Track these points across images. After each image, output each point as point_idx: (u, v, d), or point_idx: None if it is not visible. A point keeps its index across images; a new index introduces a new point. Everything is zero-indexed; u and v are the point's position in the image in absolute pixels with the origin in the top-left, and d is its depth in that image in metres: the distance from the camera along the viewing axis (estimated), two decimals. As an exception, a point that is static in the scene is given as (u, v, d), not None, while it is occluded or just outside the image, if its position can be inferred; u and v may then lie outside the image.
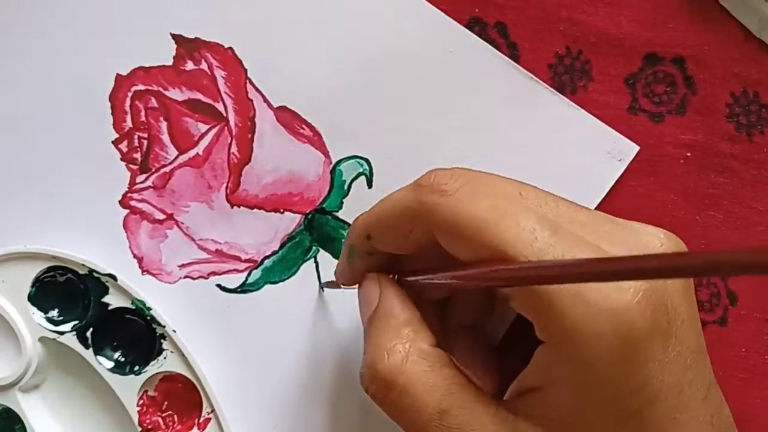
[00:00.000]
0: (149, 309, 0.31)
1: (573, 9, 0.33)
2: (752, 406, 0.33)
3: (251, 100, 0.33)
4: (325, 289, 0.32)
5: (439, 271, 0.23)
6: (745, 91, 0.33)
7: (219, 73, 0.33)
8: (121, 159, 0.33)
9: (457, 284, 0.23)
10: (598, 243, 0.21)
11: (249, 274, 0.33)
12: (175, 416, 0.32)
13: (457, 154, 0.33)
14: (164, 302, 0.32)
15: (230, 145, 0.33)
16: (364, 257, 0.26)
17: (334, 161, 0.33)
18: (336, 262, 0.33)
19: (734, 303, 0.33)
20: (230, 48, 0.33)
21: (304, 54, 0.33)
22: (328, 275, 0.32)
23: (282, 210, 0.33)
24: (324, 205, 0.33)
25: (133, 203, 0.33)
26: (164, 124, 0.33)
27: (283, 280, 0.33)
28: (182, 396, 0.32)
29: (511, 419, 0.22)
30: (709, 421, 0.22)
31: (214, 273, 0.33)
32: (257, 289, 0.33)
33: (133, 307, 0.31)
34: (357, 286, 0.27)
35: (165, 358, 0.31)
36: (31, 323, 0.31)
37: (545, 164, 0.33)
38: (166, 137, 0.33)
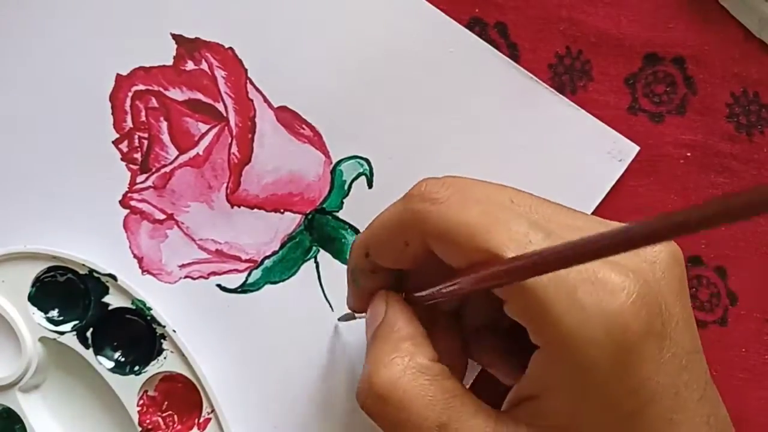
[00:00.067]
0: (149, 309, 0.31)
1: (573, 9, 0.33)
2: (752, 406, 0.33)
3: (251, 100, 0.33)
4: (341, 322, 0.32)
5: (442, 282, 0.23)
6: (745, 91, 0.33)
7: (219, 73, 0.33)
8: (122, 159, 0.33)
9: (458, 291, 0.23)
10: None
11: (249, 274, 0.33)
12: (175, 416, 0.32)
13: (457, 154, 0.33)
14: (164, 302, 0.32)
15: (230, 145, 0.33)
16: (368, 276, 0.26)
17: (334, 161, 0.33)
18: (336, 262, 0.33)
19: (734, 303, 0.33)
20: (230, 48, 0.33)
21: (304, 54, 0.33)
22: (328, 275, 0.32)
23: (282, 210, 0.33)
24: (324, 205, 0.33)
25: (133, 203, 0.33)
26: (164, 124, 0.33)
27: (284, 280, 0.33)
28: (182, 396, 0.32)
29: (512, 430, 0.22)
30: (706, 422, 0.22)
31: (214, 273, 0.33)
32: (257, 289, 0.33)
33: (133, 307, 0.31)
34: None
35: (165, 358, 0.31)
36: (31, 323, 0.31)
37: (545, 164, 0.33)
38: (166, 137, 0.33)
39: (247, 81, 0.33)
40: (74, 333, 0.31)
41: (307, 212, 0.33)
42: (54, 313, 0.32)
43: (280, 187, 0.33)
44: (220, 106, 0.33)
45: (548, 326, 0.21)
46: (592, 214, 0.33)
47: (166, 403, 0.32)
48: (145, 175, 0.33)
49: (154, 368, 0.31)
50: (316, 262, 0.33)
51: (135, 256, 0.33)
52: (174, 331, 0.31)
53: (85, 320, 0.31)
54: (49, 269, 0.32)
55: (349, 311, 0.29)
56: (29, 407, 0.32)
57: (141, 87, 0.33)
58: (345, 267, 0.30)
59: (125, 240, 0.33)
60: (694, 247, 0.33)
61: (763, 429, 0.33)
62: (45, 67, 0.33)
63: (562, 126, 0.33)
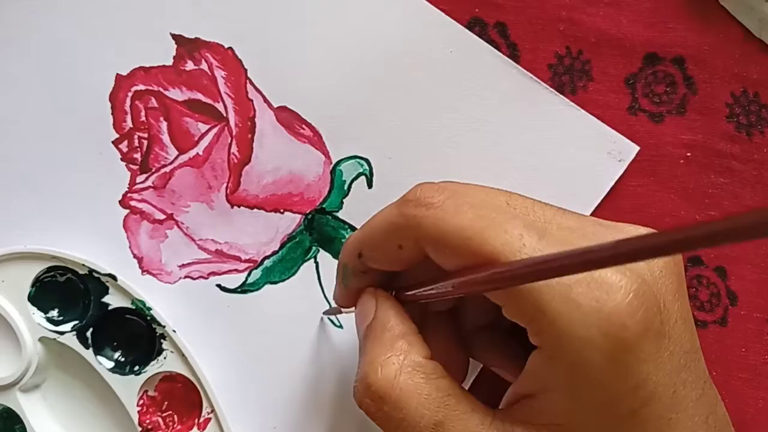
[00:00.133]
0: (149, 309, 0.31)
1: (573, 9, 0.33)
2: (752, 407, 0.33)
3: (251, 100, 0.33)
4: (326, 316, 0.32)
5: (433, 283, 0.23)
6: (745, 91, 0.33)
7: (219, 73, 0.33)
8: (121, 159, 0.33)
9: (452, 293, 0.23)
10: (587, 245, 0.21)
11: (249, 274, 0.33)
12: (175, 416, 0.32)
13: (457, 154, 0.33)
14: (164, 302, 0.32)
15: (230, 145, 0.33)
16: (359, 276, 0.26)
17: (334, 161, 0.33)
18: (336, 262, 0.33)
19: (734, 303, 0.33)
20: (230, 48, 0.33)
21: (304, 54, 0.33)
22: (328, 275, 0.32)
23: (282, 210, 0.33)
24: (324, 205, 0.33)
25: (133, 203, 0.33)
26: (164, 124, 0.33)
27: (283, 280, 0.33)
28: (182, 396, 0.32)
29: (508, 428, 0.22)
30: (705, 421, 0.22)
31: (214, 273, 0.33)
32: (257, 289, 0.33)
33: (133, 307, 0.31)
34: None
35: (165, 358, 0.31)
36: (31, 323, 0.31)
37: (545, 164, 0.33)
38: (166, 137, 0.33)
39: (247, 81, 0.33)
40: (74, 333, 0.31)
41: (307, 212, 0.33)
42: (54, 313, 0.32)
43: (280, 187, 0.33)
44: (219, 106, 0.33)
45: (544, 326, 0.21)
46: (592, 214, 0.33)
47: (166, 403, 0.32)
48: (145, 175, 0.33)
49: (154, 368, 0.31)
50: (316, 262, 0.33)
51: (135, 256, 0.33)
52: (174, 331, 0.31)
53: (85, 320, 0.31)
54: (49, 269, 0.32)
55: (336, 306, 0.29)
56: (29, 407, 0.32)
57: (141, 87, 0.33)
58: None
59: (125, 240, 0.33)
60: (694, 247, 0.33)
61: (763, 429, 0.33)
62: (45, 67, 0.33)
63: (562, 126, 0.33)
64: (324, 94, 0.33)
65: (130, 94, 0.33)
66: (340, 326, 0.32)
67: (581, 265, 0.17)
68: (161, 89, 0.33)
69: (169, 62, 0.33)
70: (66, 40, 0.33)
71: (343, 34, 0.33)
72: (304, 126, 0.33)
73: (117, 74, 0.33)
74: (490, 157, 0.33)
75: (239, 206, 0.33)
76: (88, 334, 0.31)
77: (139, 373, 0.31)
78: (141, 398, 0.31)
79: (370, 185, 0.33)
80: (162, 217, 0.33)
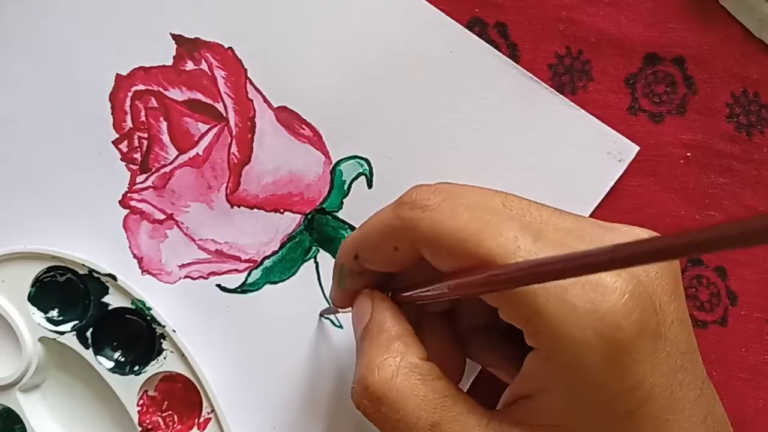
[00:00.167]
0: (149, 309, 0.31)
1: (573, 9, 0.33)
2: (752, 407, 0.33)
3: (251, 100, 0.33)
4: (324, 316, 0.32)
5: (429, 284, 0.23)
6: (745, 91, 0.33)
7: (219, 73, 0.33)
8: (121, 159, 0.33)
9: (448, 295, 0.23)
10: (584, 247, 0.21)
11: (249, 274, 0.33)
12: (175, 416, 0.32)
13: (457, 154, 0.33)
14: (164, 302, 0.32)
15: (230, 145, 0.33)
16: (355, 277, 0.26)
17: (334, 161, 0.33)
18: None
19: (734, 303, 0.33)
20: (230, 48, 0.33)
21: (304, 54, 0.33)
22: (328, 275, 0.32)
23: (282, 210, 0.33)
24: (324, 205, 0.33)
25: (133, 203, 0.33)
26: (164, 124, 0.33)
27: (283, 280, 0.33)
28: (182, 396, 0.32)
29: (505, 428, 0.22)
30: (703, 421, 0.22)
31: (214, 273, 0.33)
32: (257, 289, 0.33)
33: (133, 307, 0.31)
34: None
35: (165, 358, 0.31)
36: (31, 323, 0.31)
37: (545, 164, 0.33)
38: (166, 137, 0.33)
39: (247, 81, 0.33)
40: (74, 333, 0.31)
41: (307, 212, 0.33)
42: (54, 313, 0.32)
43: (280, 187, 0.33)
44: (219, 106, 0.33)
45: (540, 328, 0.21)
46: (592, 214, 0.33)
47: (166, 403, 0.32)
48: (144, 175, 0.33)
49: (153, 368, 0.31)
50: (316, 262, 0.33)
51: (135, 256, 0.33)
52: (174, 331, 0.31)
53: (85, 320, 0.31)
54: (49, 269, 0.32)
55: (332, 306, 0.29)
56: (29, 407, 0.32)
57: (141, 87, 0.33)
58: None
59: (125, 240, 0.33)
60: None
61: (763, 429, 0.33)
62: (45, 67, 0.33)
63: (562, 126, 0.33)
64: (324, 94, 0.33)
65: (130, 94, 0.33)
66: (340, 326, 0.32)
67: (577, 269, 0.17)
68: (161, 89, 0.33)
69: (169, 62, 0.33)
70: (66, 40, 0.33)
71: (343, 34, 0.33)
72: (304, 126, 0.33)
73: (117, 74, 0.33)
74: (490, 157, 0.33)
75: (239, 206, 0.33)
76: (88, 334, 0.31)
77: (139, 373, 0.31)
78: (141, 398, 0.31)
79: (370, 185, 0.33)
80: (162, 217, 0.33)
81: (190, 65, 0.33)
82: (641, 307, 0.20)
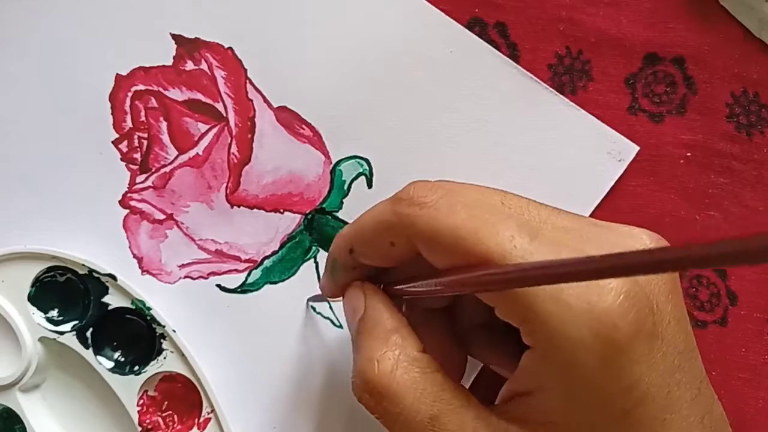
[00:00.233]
0: (149, 309, 0.31)
1: (573, 9, 0.33)
2: (752, 407, 0.33)
3: (251, 100, 0.33)
4: (312, 303, 0.32)
5: (423, 280, 0.23)
6: (745, 91, 0.33)
7: (219, 73, 0.33)
8: (121, 159, 0.33)
9: (442, 291, 0.23)
10: (582, 246, 0.21)
11: (249, 274, 0.33)
12: (175, 416, 0.32)
13: (457, 154, 0.33)
14: (164, 302, 0.32)
15: (230, 145, 0.33)
16: (348, 270, 0.26)
17: (334, 161, 0.33)
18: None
19: (734, 303, 0.33)
20: (230, 48, 0.33)
21: (304, 54, 0.33)
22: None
23: (282, 210, 0.33)
24: (324, 205, 0.33)
25: (133, 203, 0.33)
26: (164, 124, 0.33)
27: (283, 280, 0.33)
28: (182, 396, 0.32)
29: (503, 424, 0.22)
30: (700, 421, 0.22)
31: (214, 273, 0.33)
32: (257, 289, 0.33)
33: (133, 307, 0.31)
34: (342, 297, 0.27)
35: (165, 358, 0.31)
36: (31, 323, 0.31)
37: (545, 164, 0.33)
38: (166, 137, 0.33)
39: (247, 81, 0.33)
40: (74, 333, 0.31)
41: (307, 212, 0.33)
42: (54, 313, 0.32)
43: (280, 187, 0.33)
44: (219, 106, 0.33)
45: (536, 327, 0.21)
46: (592, 213, 0.33)
47: (166, 403, 0.32)
48: (144, 175, 0.33)
49: (153, 368, 0.31)
50: (316, 262, 0.33)
51: (135, 256, 0.33)
52: (174, 331, 0.31)
53: (85, 320, 0.31)
54: (49, 269, 0.32)
55: (321, 294, 0.29)
56: (29, 407, 0.32)
57: (141, 87, 0.33)
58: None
59: (125, 240, 0.33)
60: (694, 247, 0.33)
61: (763, 430, 0.33)
62: (45, 67, 0.33)
63: (562, 126, 0.33)
64: (324, 94, 0.33)
65: (130, 94, 0.33)
66: (340, 326, 0.32)
67: (575, 275, 0.17)
68: (161, 89, 0.33)
69: (169, 62, 0.33)
70: (66, 40, 0.33)
71: (343, 34, 0.33)
72: (304, 126, 0.33)
73: (117, 74, 0.33)
74: (490, 157, 0.33)
75: (239, 206, 0.33)
76: (88, 334, 0.31)
77: (139, 373, 0.31)
78: (141, 398, 0.31)
79: (370, 185, 0.33)
80: (162, 217, 0.33)
81: (190, 65, 0.33)
82: (637, 307, 0.20)
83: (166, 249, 0.33)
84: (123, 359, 0.32)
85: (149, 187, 0.33)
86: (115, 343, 0.32)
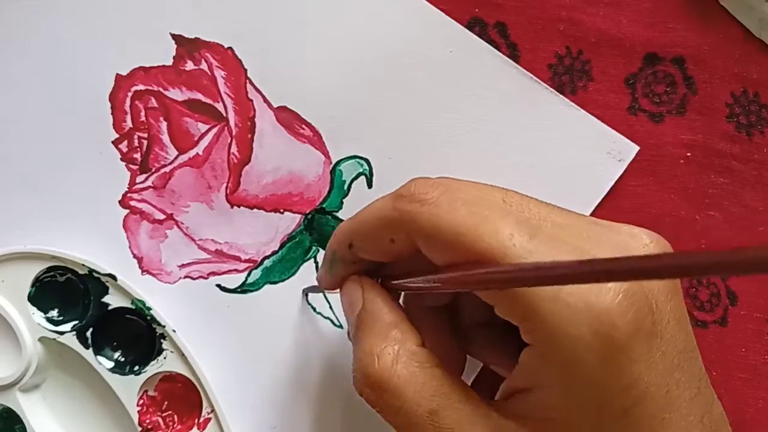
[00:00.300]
0: (149, 309, 0.31)
1: (573, 9, 0.33)
2: (752, 407, 0.33)
3: (251, 100, 0.33)
4: (308, 294, 0.32)
5: (422, 275, 0.23)
6: (745, 91, 0.33)
7: (219, 73, 0.33)
8: (121, 159, 0.33)
9: (440, 288, 0.23)
10: (582, 245, 0.21)
11: (249, 274, 0.33)
12: (175, 416, 0.32)
13: (457, 154, 0.33)
14: (164, 302, 0.32)
15: (230, 145, 0.33)
16: (347, 264, 0.26)
17: (334, 161, 0.33)
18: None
19: (734, 303, 0.33)
20: (230, 48, 0.33)
21: (304, 54, 0.33)
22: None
23: (282, 210, 0.33)
24: (324, 205, 0.33)
25: (133, 203, 0.33)
26: (164, 124, 0.33)
27: (283, 280, 0.33)
28: (182, 396, 0.32)
29: (502, 420, 0.22)
30: (700, 420, 0.22)
31: (214, 273, 0.33)
32: (257, 289, 0.33)
33: (133, 307, 0.31)
34: (339, 290, 0.27)
35: (165, 358, 0.31)
36: (31, 323, 0.31)
37: (545, 164, 0.33)
38: (166, 137, 0.33)
39: (247, 81, 0.33)
40: (74, 333, 0.31)
41: (307, 212, 0.33)
42: (54, 313, 0.32)
43: (280, 187, 0.33)
44: (219, 106, 0.33)
45: (536, 325, 0.21)
46: (592, 213, 0.33)
47: (166, 403, 0.32)
48: (144, 175, 0.33)
49: (153, 368, 0.31)
50: (316, 262, 0.33)
51: (135, 256, 0.33)
52: (174, 331, 0.31)
53: (85, 320, 0.31)
54: (49, 269, 0.32)
55: (317, 285, 0.29)
56: (29, 407, 0.32)
57: (141, 87, 0.33)
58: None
59: (125, 240, 0.33)
60: (693, 247, 0.33)
61: (763, 430, 0.33)
62: (45, 67, 0.33)
63: (562, 126, 0.33)
64: (324, 94, 0.33)
65: (130, 94, 0.33)
66: (340, 326, 0.32)
67: (575, 278, 0.17)
68: (161, 89, 0.33)
69: (169, 62, 0.33)
70: (66, 40, 0.33)
71: (343, 34, 0.33)
72: (304, 126, 0.33)
73: (117, 74, 0.33)
74: (490, 157, 0.33)
75: (239, 206, 0.33)
76: (88, 334, 0.31)
77: (139, 373, 0.31)
78: (141, 398, 0.31)
79: (370, 185, 0.33)
80: (162, 217, 0.33)
81: (190, 65, 0.33)
82: (636, 306, 0.20)
83: (166, 249, 0.33)
84: (123, 359, 0.32)
85: (149, 187, 0.33)
86: (115, 343, 0.32)
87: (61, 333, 0.31)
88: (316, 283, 0.32)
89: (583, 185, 0.33)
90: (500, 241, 0.21)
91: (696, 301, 0.33)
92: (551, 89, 0.33)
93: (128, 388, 0.31)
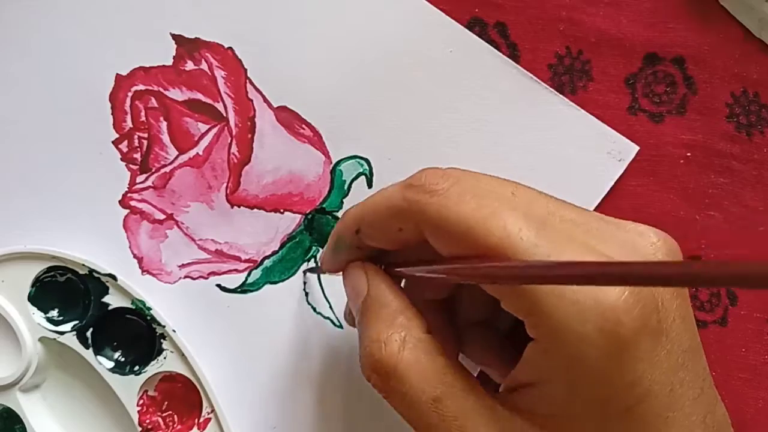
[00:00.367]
0: (149, 309, 0.31)
1: (573, 9, 0.33)
2: (752, 407, 0.33)
3: (251, 100, 0.33)
4: (307, 273, 0.32)
5: (425, 264, 0.23)
6: (745, 91, 0.33)
7: (219, 73, 0.33)
8: (121, 159, 0.33)
9: (445, 279, 0.23)
10: (589, 241, 0.21)
11: (249, 274, 0.33)
12: (175, 416, 0.32)
13: (457, 154, 0.33)
14: (164, 302, 0.32)
15: (230, 145, 0.33)
16: (352, 250, 0.26)
17: (334, 161, 0.33)
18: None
19: (734, 303, 0.33)
20: (230, 48, 0.33)
21: (304, 54, 0.33)
22: (328, 275, 0.32)
23: (282, 210, 0.33)
24: (324, 205, 0.33)
25: (133, 203, 0.33)
26: (164, 124, 0.33)
27: (283, 280, 0.33)
28: (182, 396, 0.32)
29: (505, 413, 0.22)
30: (702, 420, 0.22)
31: (214, 273, 0.33)
32: (257, 289, 0.33)
33: (133, 307, 0.31)
34: (340, 273, 0.27)
35: (165, 358, 0.31)
36: (31, 323, 0.31)
37: (545, 164, 0.33)
38: (166, 137, 0.33)
39: (247, 81, 0.33)
40: (74, 333, 0.31)
41: (307, 212, 0.33)
42: (54, 313, 0.32)
43: (280, 187, 0.33)
44: (219, 106, 0.33)
45: (541, 320, 0.21)
46: (592, 214, 0.33)
47: (166, 403, 0.32)
48: (144, 175, 0.33)
49: (153, 368, 0.31)
50: (316, 262, 0.33)
51: (135, 256, 0.33)
52: (174, 331, 0.31)
53: (85, 320, 0.31)
54: (49, 269, 0.32)
55: (318, 267, 0.29)
56: (29, 407, 0.32)
57: (141, 87, 0.33)
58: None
59: (125, 240, 0.33)
60: (693, 247, 0.33)
61: (764, 429, 0.33)
62: (45, 67, 0.33)
63: (562, 126, 0.33)
64: (324, 94, 0.33)
65: (130, 94, 0.33)
66: (340, 326, 0.32)
67: (583, 279, 0.17)
68: (161, 89, 0.33)
69: (169, 62, 0.33)
70: (66, 40, 0.33)
71: (343, 34, 0.33)
72: (304, 126, 0.33)
73: (117, 74, 0.33)
74: (490, 157, 0.33)
75: (239, 206, 0.33)
76: (88, 334, 0.31)
77: (139, 373, 0.31)
78: (141, 398, 0.31)
79: (370, 185, 0.33)
80: (162, 217, 0.33)
81: (190, 65, 0.33)
82: (642, 303, 0.20)
83: (166, 249, 0.33)
84: (123, 359, 0.32)
85: (149, 187, 0.33)
86: (115, 343, 0.32)
87: (61, 333, 0.31)
88: (325, 300, 0.32)
89: (583, 185, 0.33)
90: (508, 236, 0.21)
91: (696, 301, 0.33)
92: (551, 89, 0.33)
93: (128, 388, 0.31)
